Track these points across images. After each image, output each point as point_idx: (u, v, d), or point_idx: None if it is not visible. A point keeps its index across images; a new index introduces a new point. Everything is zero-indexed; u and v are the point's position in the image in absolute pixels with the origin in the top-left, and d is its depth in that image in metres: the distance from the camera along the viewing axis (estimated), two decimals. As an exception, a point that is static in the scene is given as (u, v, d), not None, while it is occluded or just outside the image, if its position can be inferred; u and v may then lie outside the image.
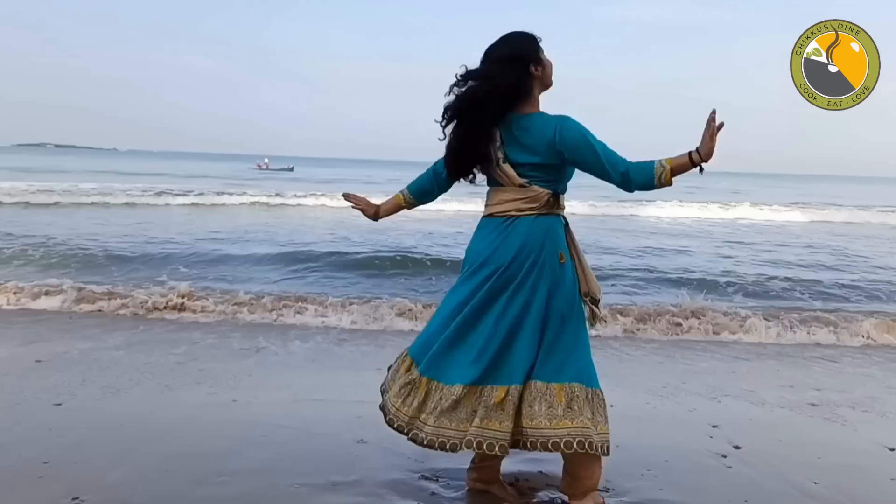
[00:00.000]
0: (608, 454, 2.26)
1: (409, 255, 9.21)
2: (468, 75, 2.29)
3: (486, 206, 2.38)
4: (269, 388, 3.82)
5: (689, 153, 2.19)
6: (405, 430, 2.32)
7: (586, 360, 2.33)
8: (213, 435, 3.08)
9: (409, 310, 5.90)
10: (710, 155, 2.18)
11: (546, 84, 2.36)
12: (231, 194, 19.75)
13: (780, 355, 5.01)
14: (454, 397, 2.24)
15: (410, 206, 2.58)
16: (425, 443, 2.27)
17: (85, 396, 3.56)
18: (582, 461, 2.32)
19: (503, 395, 2.22)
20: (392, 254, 9.35)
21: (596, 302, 2.42)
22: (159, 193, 18.87)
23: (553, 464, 2.70)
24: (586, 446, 2.20)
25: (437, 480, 2.65)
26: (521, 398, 2.25)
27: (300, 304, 6.12)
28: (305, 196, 19.90)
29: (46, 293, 6.11)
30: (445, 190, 2.54)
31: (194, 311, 5.77)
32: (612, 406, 3.53)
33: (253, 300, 6.15)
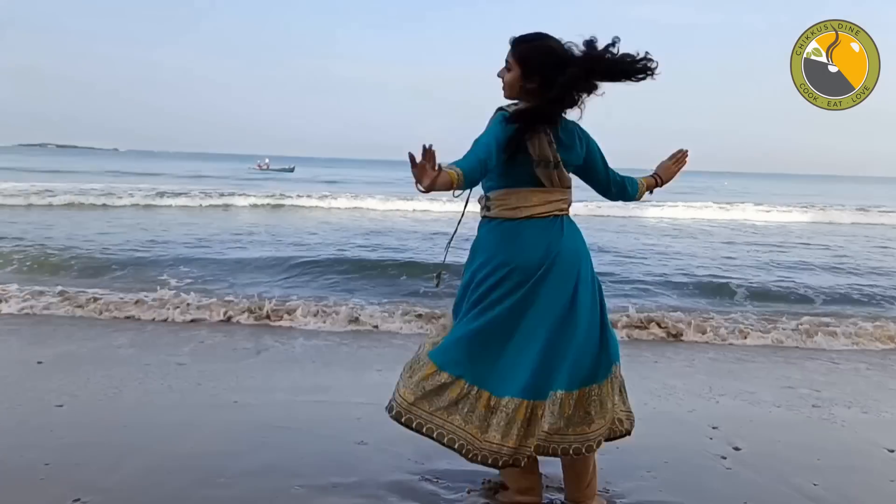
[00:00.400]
0: None
1: (415, 258, 9.22)
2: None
3: (519, 207, 2.27)
4: (270, 389, 3.83)
5: (655, 177, 2.61)
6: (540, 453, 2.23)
7: None
8: (215, 436, 3.09)
9: (413, 313, 5.90)
10: (669, 181, 2.63)
11: None
12: (233, 195, 19.59)
13: (779, 356, 5.00)
14: (573, 402, 2.20)
15: (457, 188, 2.02)
16: (539, 452, 2.22)
17: (86, 398, 3.57)
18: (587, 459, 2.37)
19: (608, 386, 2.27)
20: (393, 253, 9.37)
21: None
22: (161, 194, 18.68)
23: (551, 465, 2.72)
24: None
25: (438, 482, 2.66)
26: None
27: (301, 306, 6.12)
28: (310, 197, 19.75)
29: (44, 295, 6.11)
30: None
31: (196, 313, 5.76)
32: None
33: (254, 302, 6.16)
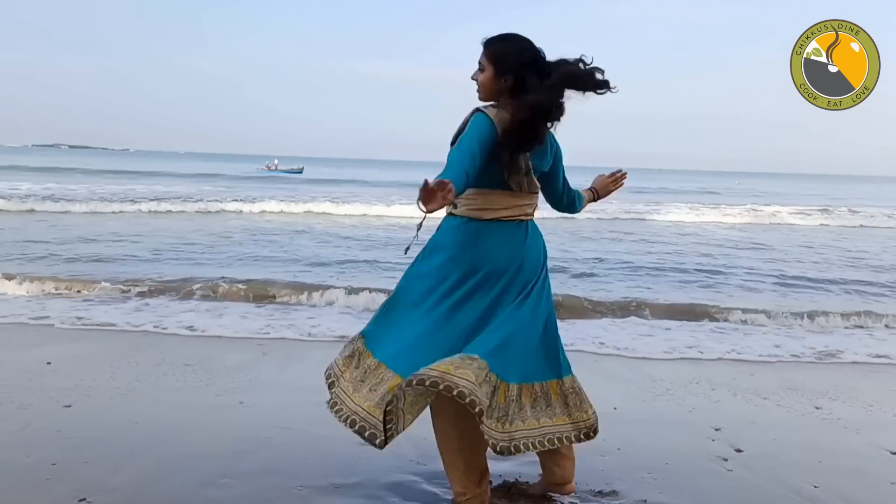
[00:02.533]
0: None
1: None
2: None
3: (486, 209, 2.26)
4: (275, 390, 3.87)
5: (592, 191, 2.71)
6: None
7: None
8: (219, 437, 3.12)
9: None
10: (604, 197, 2.74)
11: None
12: (251, 200, 18.44)
13: (783, 358, 4.98)
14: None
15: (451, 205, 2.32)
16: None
17: (94, 398, 3.61)
18: None
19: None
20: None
21: None
22: (167, 199, 18.05)
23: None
24: None
25: (440, 483, 2.67)
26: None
27: (306, 307, 6.18)
28: (324, 202, 18.65)
29: (57, 298, 6.19)
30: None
31: (199, 315, 5.81)
32: (614, 409, 3.55)
33: (261, 303, 6.22)
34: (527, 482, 2.66)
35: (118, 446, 2.96)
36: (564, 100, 2.23)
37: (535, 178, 2.33)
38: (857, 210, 21.98)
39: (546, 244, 2.42)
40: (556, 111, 2.22)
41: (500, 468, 2.71)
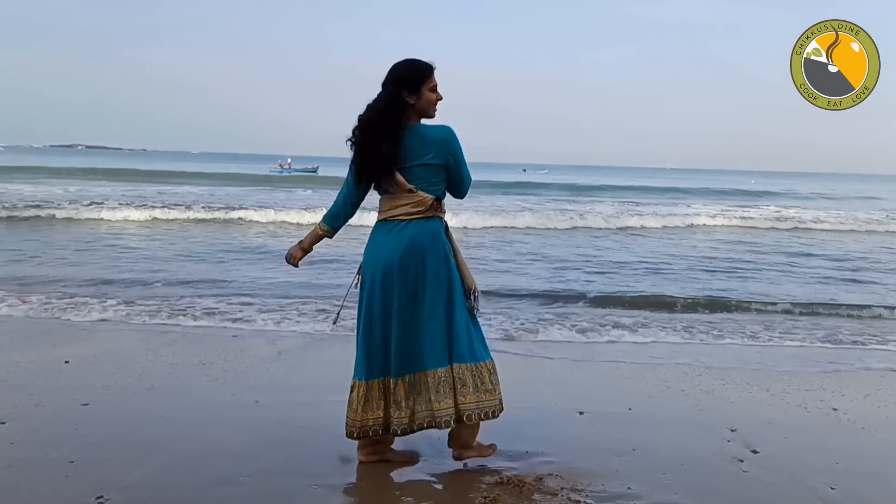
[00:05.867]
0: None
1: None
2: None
3: (380, 212, 2.65)
4: (291, 389, 3.89)
5: None
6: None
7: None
8: (235, 435, 3.14)
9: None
10: None
11: (422, 113, 2.60)
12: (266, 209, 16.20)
13: (800, 359, 4.94)
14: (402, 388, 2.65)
15: (330, 235, 2.78)
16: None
17: (111, 397, 3.65)
18: (471, 430, 2.69)
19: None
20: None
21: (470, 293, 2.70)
22: (187, 206, 16.25)
23: (557, 456, 2.73)
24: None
25: (454, 482, 2.68)
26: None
27: (319, 307, 6.19)
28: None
29: (75, 298, 6.25)
30: (357, 206, 2.76)
31: (215, 315, 5.85)
32: (629, 409, 3.54)
33: (272, 304, 6.25)
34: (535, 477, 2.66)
35: (135, 444, 2.99)
36: None
37: (402, 176, 2.57)
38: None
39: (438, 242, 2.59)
40: None
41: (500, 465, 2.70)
